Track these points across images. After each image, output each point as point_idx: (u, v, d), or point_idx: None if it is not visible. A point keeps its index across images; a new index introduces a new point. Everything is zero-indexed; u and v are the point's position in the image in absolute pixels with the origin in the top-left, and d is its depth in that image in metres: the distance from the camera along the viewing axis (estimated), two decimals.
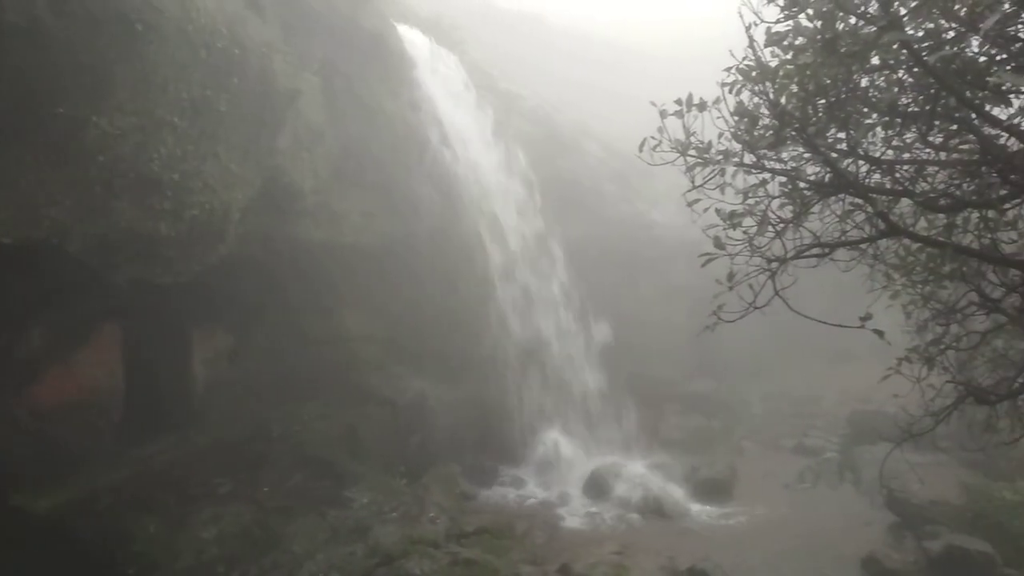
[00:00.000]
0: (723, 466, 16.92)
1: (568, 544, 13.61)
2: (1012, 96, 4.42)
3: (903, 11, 4.27)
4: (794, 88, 4.71)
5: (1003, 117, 4.61)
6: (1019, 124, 4.65)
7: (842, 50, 4.28)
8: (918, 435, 6.79)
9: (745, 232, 5.09)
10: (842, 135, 5.06)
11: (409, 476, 15.57)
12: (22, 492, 11.40)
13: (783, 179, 5.23)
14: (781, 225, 5.13)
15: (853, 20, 4.39)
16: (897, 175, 5.44)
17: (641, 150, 5.14)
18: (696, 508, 15.35)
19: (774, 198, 5.23)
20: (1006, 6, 4.03)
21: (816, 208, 5.44)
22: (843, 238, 5.54)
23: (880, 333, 4.73)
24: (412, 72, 17.16)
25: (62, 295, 11.60)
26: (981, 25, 3.82)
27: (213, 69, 10.06)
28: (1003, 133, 4.65)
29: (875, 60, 4.67)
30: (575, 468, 17.21)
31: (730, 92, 5.02)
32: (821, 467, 16.87)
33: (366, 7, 15.37)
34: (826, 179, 5.12)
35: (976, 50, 4.45)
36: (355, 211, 15.11)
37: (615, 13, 39.92)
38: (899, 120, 5.06)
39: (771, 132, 4.89)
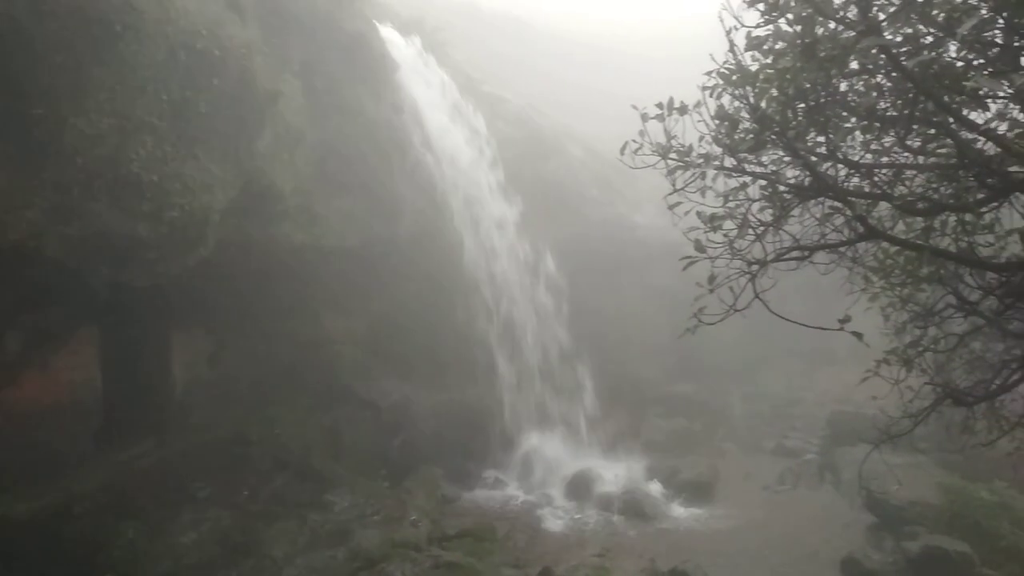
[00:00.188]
0: (704, 468, 16.96)
1: (550, 546, 13.60)
2: (989, 100, 4.47)
3: (881, 16, 4.30)
4: (774, 92, 4.73)
5: (980, 121, 4.65)
6: (996, 128, 4.69)
7: (821, 55, 4.30)
8: (897, 436, 6.85)
9: (725, 235, 5.11)
10: (822, 139, 5.09)
11: (391, 479, 15.52)
12: None
13: (763, 182, 5.25)
14: (761, 228, 5.16)
15: (832, 25, 4.41)
16: (876, 179, 5.48)
17: (623, 153, 5.16)
18: (678, 510, 15.38)
19: (754, 201, 5.26)
20: (983, 11, 4.06)
21: (796, 211, 5.47)
22: (822, 241, 5.58)
23: (859, 335, 4.76)
24: (394, 74, 17.12)
25: (39, 298, 11.49)
26: (958, 30, 3.85)
27: (193, 70, 9.99)
28: (980, 137, 4.68)
29: (854, 64, 4.70)
30: (557, 470, 17.19)
31: (711, 96, 5.04)
32: (801, 468, 16.95)
33: (347, 8, 15.32)
34: (806, 183, 5.15)
35: (954, 55, 4.49)
36: (336, 213, 15.03)
37: (601, 12, 40.04)
38: (878, 124, 5.10)
39: (751, 136, 4.92)
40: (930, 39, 4.37)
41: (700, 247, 4.89)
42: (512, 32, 34.74)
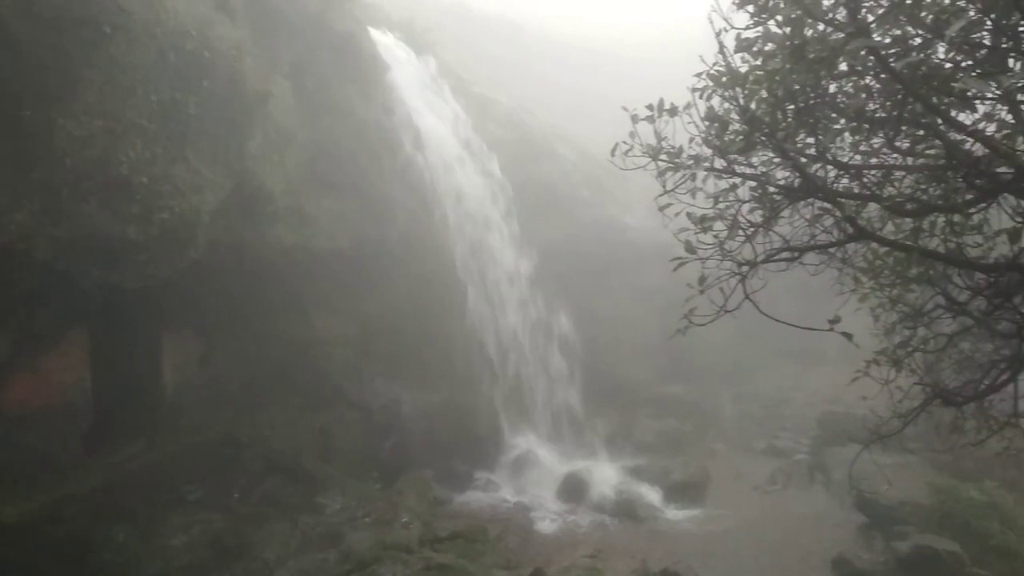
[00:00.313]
0: (696, 469, 16.99)
1: (542, 548, 13.60)
2: (977, 102, 4.49)
3: (870, 18, 4.32)
4: (764, 94, 4.74)
5: (968, 122, 4.68)
6: (984, 129, 4.72)
7: (810, 56, 4.32)
8: (887, 436, 6.87)
9: (716, 236, 5.12)
10: (811, 140, 5.11)
11: (382, 481, 15.50)
12: None
13: (753, 184, 5.26)
14: (751, 229, 5.17)
15: (821, 27, 4.43)
16: (865, 180, 5.51)
17: (613, 155, 5.16)
18: (669, 511, 15.40)
19: (744, 202, 5.27)
20: (971, 13, 4.08)
21: (785, 212, 5.49)
22: (812, 242, 5.60)
23: (848, 336, 4.78)
24: (385, 75, 17.12)
25: (29, 300, 11.42)
26: (947, 32, 3.87)
27: (182, 71, 9.96)
28: (968, 138, 4.70)
29: (843, 66, 4.72)
30: (549, 472, 17.18)
31: (701, 97, 5.06)
32: (792, 469, 17.01)
33: (337, 9, 15.31)
34: (795, 184, 5.16)
35: (942, 56, 4.51)
36: (327, 214, 15.00)
37: (595, 16, 40.13)
38: (867, 125, 5.12)
39: (741, 137, 4.93)
40: (918, 41, 4.39)
41: (690, 248, 4.90)
42: (504, 35, 34.79)
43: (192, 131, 10.47)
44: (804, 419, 19.66)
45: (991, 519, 11.91)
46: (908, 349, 6.74)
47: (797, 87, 4.67)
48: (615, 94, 15.00)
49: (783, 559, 12.59)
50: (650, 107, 5.03)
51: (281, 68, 13.37)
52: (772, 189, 5.24)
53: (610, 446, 18.78)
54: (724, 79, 4.84)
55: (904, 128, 5.03)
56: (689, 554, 12.74)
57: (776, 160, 5.28)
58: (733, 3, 4.66)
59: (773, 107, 4.75)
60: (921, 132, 5.05)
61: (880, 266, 6.32)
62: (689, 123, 5.09)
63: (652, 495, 15.97)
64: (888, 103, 4.91)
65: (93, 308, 12.35)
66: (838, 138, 5.29)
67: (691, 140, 5.19)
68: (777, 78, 4.58)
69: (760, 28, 4.66)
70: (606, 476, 16.82)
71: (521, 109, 25.07)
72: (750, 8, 4.59)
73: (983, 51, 4.38)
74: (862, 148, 5.48)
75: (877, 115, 5.05)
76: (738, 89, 4.78)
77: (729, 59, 4.83)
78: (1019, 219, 5.05)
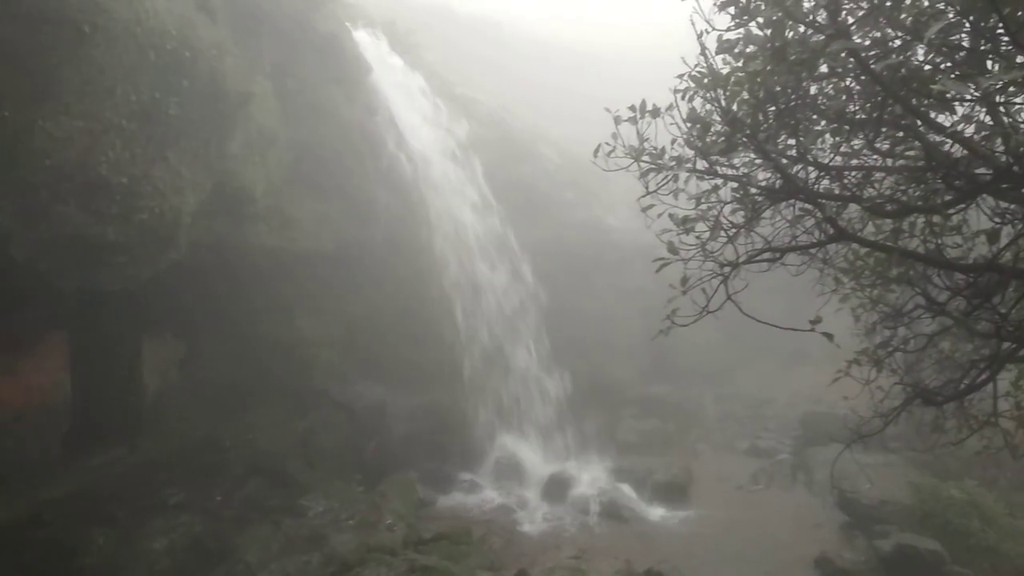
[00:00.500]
0: (679, 469, 17.03)
1: (526, 549, 13.59)
2: (956, 104, 4.52)
3: (850, 20, 4.35)
4: (745, 95, 4.76)
5: (947, 124, 4.71)
6: (963, 131, 4.76)
7: (791, 58, 4.33)
8: (868, 436, 6.90)
9: (698, 237, 5.14)
10: (792, 141, 5.14)
11: (366, 483, 15.44)
12: None
13: (735, 185, 5.28)
14: (733, 230, 5.19)
15: (802, 29, 4.44)
16: (845, 181, 5.54)
17: (596, 156, 5.18)
18: (653, 511, 15.43)
19: (726, 203, 5.29)
20: (950, 15, 4.11)
21: (767, 213, 5.51)
22: (793, 243, 5.63)
23: (830, 336, 4.80)
24: (368, 76, 17.07)
25: (6, 303, 11.29)
26: (926, 34, 3.89)
27: (162, 72, 9.89)
28: (947, 140, 4.74)
29: (823, 68, 4.74)
30: (533, 473, 17.19)
31: (683, 99, 5.07)
32: (774, 469, 17.09)
33: (320, 10, 15.25)
34: (777, 185, 5.18)
35: (921, 59, 4.54)
36: (309, 216, 14.94)
37: (579, 16, 40.17)
38: (847, 127, 5.15)
39: (723, 138, 4.95)
40: (898, 43, 4.42)
41: (673, 249, 4.91)
42: (489, 35, 34.76)
43: (172, 131, 10.39)
44: (786, 419, 19.78)
45: (971, 517, 11.99)
46: (889, 349, 6.78)
47: (778, 89, 4.69)
48: (599, 94, 15.02)
49: (766, 558, 12.63)
50: (632, 108, 5.03)
51: (263, 69, 13.30)
52: (754, 190, 5.26)
53: (594, 447, 18.80)
54: (706, 81, 4.85)
55: (884, 130, 5.06)
56: (673, 554, 12.77)
57: (757, 161, 5.30)
58: (715, 5, 4.67)
59: (754, 108, 4.77)
60: (901, 134, 5.08)
61: (861, 267, 6.37)
62: (671, 124, 5.10)
63: (636, 495, 15.99)
64: (868, 105, 4.94)
65: (72, 310, 12.24)
66: (819, 139, 5.32)
67: (673, 141, 5.20)
68: (758, 80, 4.60)
69: (741, 30, 4.68)
70: (590, 477, 16.85)
71: (504, 110, 25.07)
72: (731, 10, 4.60)
73: (962, 53, 4.41)
74: (842, 149, 5.51)
75: (857, 117, 5.08)
76: (720, 91, 4.80)
77: (711, 61, 4.84)
78: (998, 220, 5.10)
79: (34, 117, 8.66)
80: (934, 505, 12.45)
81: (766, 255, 5.31)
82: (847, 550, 12.59)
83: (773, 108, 4.83)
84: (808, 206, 5.30)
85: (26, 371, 12.24)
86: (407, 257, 17.42)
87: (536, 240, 20.70)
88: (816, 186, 5.39)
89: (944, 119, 4.69)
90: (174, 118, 10.28)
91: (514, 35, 35.98)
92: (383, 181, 16.65)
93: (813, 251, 5.99)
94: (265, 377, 15.78)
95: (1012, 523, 12.04)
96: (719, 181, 5.24)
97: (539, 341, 19.80)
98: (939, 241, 5.34)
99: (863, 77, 4.64)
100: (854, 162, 5.64)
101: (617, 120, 5.06)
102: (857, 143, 5.46)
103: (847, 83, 5.04)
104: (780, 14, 4.32)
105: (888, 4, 4.14)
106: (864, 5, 4.33)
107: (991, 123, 4.64)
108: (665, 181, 5.21)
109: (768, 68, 4.51)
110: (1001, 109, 4.70)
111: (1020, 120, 4.71)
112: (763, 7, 4.43)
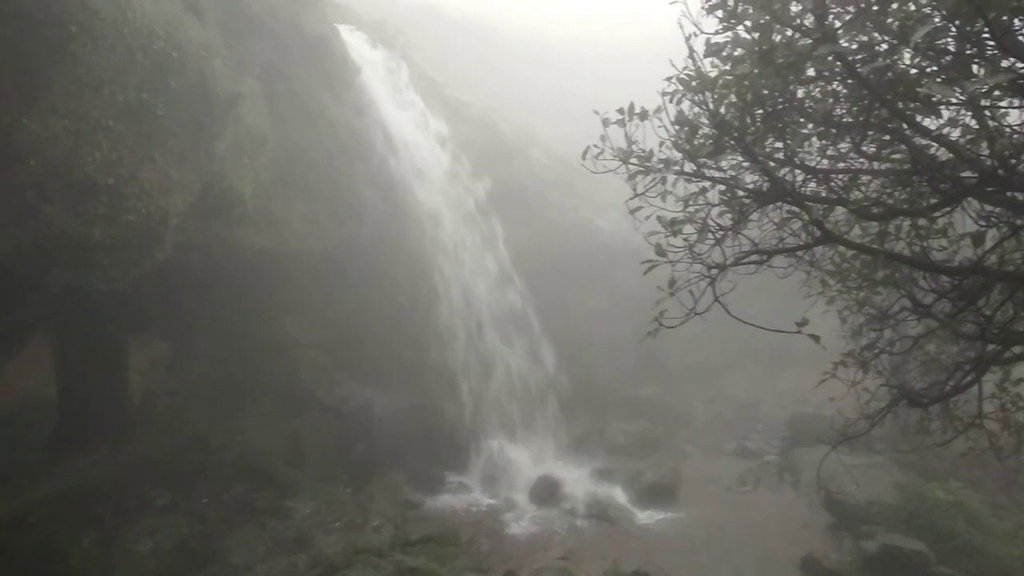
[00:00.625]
0: (667, 470, 17.06)
1: (514, 551, 13.59)
2: (941, 107, 4.55)
3: (837, 24, 4.36)
4: (733, 98, 4.78)
5: (933, 127, 4.74)
6: (948, 134, 4.79)
7: (779, 61, 4.35)
8: (854, 437, 6.93)
9: (686, 239, 5.16)
10: (779, 144, 5.16)
11: (353, 485, 15.40)
12: None
13: (722, 187, 5.30)
14: (720, 232, 5.21)
15: (789, 32, 4.46)
16: (832, 184, 5.57)
17: (584, 158, 5.19)
18: (641, 512, 15.46)
19: (714, 206, 5.31)
20: (936, 19, 4.13)
21: (754, 216, 5.53)
22: (780, 245, 5.65)
23: (816, 338, 4.82)
24: (356, 77, 17.02)
25: None
26: (912, 38, 3.91)
27: (150, 72, 9.82)
28: (933, 143, 4.77)
29: (811, 71, 4.76)
30: (521, 474, 17.20)
31: (671, 101, 5.08)
32: (762, 470, 17.15)
33: (308, 11, 15.19)
34: (764, 187, 5.20)
35: (908, 62, 4.56)
36: (297, 217, 14.89)
37: (567, 14, 40.04)
38: (834, 130, 5.18)
39: (711, 141, 4.96)
40: (884, 46, 4.44)
41: (661, 251, 4.92)
42: (476, 35, 34.68)
43: (160, 132, 10.32)
44: (774, 420, 19.86)
45: (957, 518, 12.07)
46: (875, 351, 6.81)
47: (766, 92, 4.71)
48: (588, 93, 15.05)
49: (753, 559, 12.68)
50: (621, 111, 5.05)
51: (252, 69, 13.23)
52: (741, 193, 5.28)
53: (582, 448, 18.85)
54: (694, 83, 4.87)
55: (870, 133, 5.09)
56: (660, 555, 12.78)
57: (745, 164, 5.32)
58: (703, 7, 4.68)
59: (742, 111, 4.79)
60: (887, 137, 5.11)
61: (847, 269, 6.40)
62: (659, 127, 5.11)
63: (624, 497, 16.04)
64: (855, 108, 4.96)
65: (58, 311, 12.16)
66: (806, 142, 5.35)
67: (661, 144, 5.21)
68: (746, 83, 4.62)
69: (729, 33, 4.69)
70: (578, 478, 16.87)
71: (493, 111, 25.03)
72: (719, 13, 4.61)
73: (948, 57, 4.44)
74: (829, 152, 5.55)
75: (844, 120, 5.11)
76: (707, 93, 4.81)
77: (699, 63, 4.86)
78: (983, 223, 5.14)
79: (19, 116, 8.58)
80: (920, 506, 12.52)
81: (753, 257, 5.33)
82: (833, 551, 12.64)
83: (761, 111, 4.85)
84: (795, 209, 5.31)
85: (10, 372, 12.17)
86: (395, 258, 17.39)
87: (525, 241, 20.69)
88: (803, 189, 5.42)
89: (930, 123, 4.72)
90: (162, 119, 10.21)
91: (502, 33, 35.87)
92: (371, 182, 16.62)
93: (800, 253, 6.01)
94: (253, 378, 15.72)
95: (997, 524, 12.12)
96: (707, 183, 5.26)
97: (528, 342, 19.79)
98: (925, 244, 5.37)
99: (850, 81, 4.67)
100: (841, 165, 5.67)
101: (605, 122, 5.08)
102: (844, 146, 5.50)
103: (834, 87, 5.06)
104: (768, 18, 4.34)
105: (875, 8, 4.16)
106: (851, 9, 4.35)
107: (976, 127, 4.67)
108: (653, 183, 5.23)
109: (756, 71, 4.53)
110: (986, 113, 4.73)
111: (1005, 124, 4.73)
112: (751, 10, 4.45)
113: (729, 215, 5.33)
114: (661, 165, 5.14)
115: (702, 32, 4.76)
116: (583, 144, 5.30)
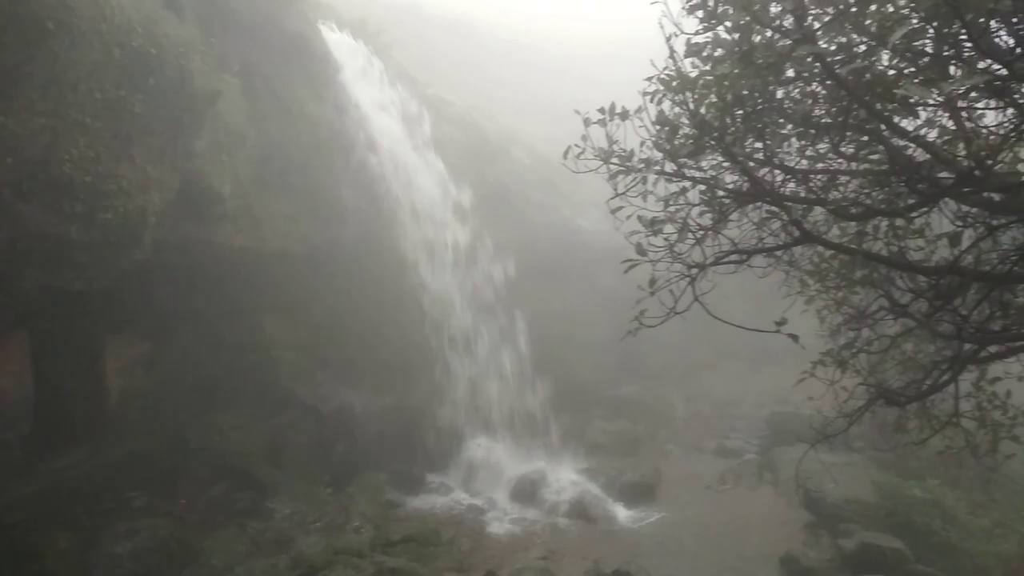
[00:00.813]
0: (647, 469, 17.12)
1: (495, 550, 13.58)
2: (919, 108, 4.59)
3: (816, 25, 4.39)
4: (713, 98, 4.80)
5: (910, 128, 4.78)
6: (925, 135, 4.83)
7: (758, 62, 4.37)
8: (832, 436, 6.98)
9: (666, 239, 5.17)
10: (759, 145, 5.19)
11: (334, 485, 15.31)
12: None
13: (703, 187, 5.33)
14: (701, 232, 5.23)
15: (769, 33, 4.48)
16: (811, 184, 5.60)
17: (566, 158, 5.19)
18: (622, 511, 15.50)
19: (694, 206, 5.33)
20: (914, 21, 4.17)
21: (734, 216, 5.56)
22: (760, 245, 5.68)
23: (795, 337, 4.85)
24: (337, 75, 16.96)
25: None
26: (890, 39, 3.95)
27: (128, 69, 9.73)
28: (910, 144, 4.81)
29: (790, 72, 4.79)
30: (502, 474, 17.18)
31: (652, 101, 5.10)
32: (741, 468, 17.22)
33: (288, 8, 15.12)
34: (744, 188, 5.23)
35: (886, 63, 4.60)
36: (277, 216, 14.79)
37: (548, 14, 40.08)
38: (813, 131, 5.21)
39: (691, 141, 4.98)
40: (863, 48, 4.47)
41: (641, 250, 4.93)
42: (459, 33, 34.61)
43: (138, 129, 10.23)
44: (753, 419, 19.95)
45: (933, 516, 12.17)
46: (853, 350, 6.86)
47: (745, 92, 4.73)
48: (570, 92, 15.04)
49: (732, 557, 12.74)
50: (602, 111, 5.06)
51: (231, 67, 13.15)
52: (721, 193, 5.31)
53: (563, 447, 18.83)
54: (674, 84, 4.89)
55: (849, 134, 5.13)
56: (641, 554, 12.83)
57: (725, 164, 5.35)
58: (683, 8, 4.70)
59: (722, 112, 4.81)
60: (865, 138, 5.15)
61: (825, 269, 6.45)
62: (640, 127, 5.13)
63: (605, 496, 16.07)
64: (833, 109, 5.00)
65: (34, 310, 12.03)
66: (785, 143, 5.38)
67: (642, 144, 5.23)
68: (726, 83, 4.64)
69: (710, 34, 4.71)
70: (559, 477, 16.87)
71: (475, 110, 25.01)
72: (700, 13, 4.63)
73: (925, 58, 4.48)
74: (808, 153, 5.58)
75: (823, 121, 5.14)
76: (688, 94, 4.83)
77: (679, 64, 4.88)
78: (959, 223, 5.18)
79: None
80: (897, 504, 12.62)
81: (733, 257, 5.37)
82: (812, 549, 12.72)
83: (740, 111, 4.87)
84: (774, 209, 5.35)
85: None
86: (376, 257, 17.33)
87: (507, 241, 20.67)
88: (782, 189, 5.45)
89: (908, 124, 4.76)
90: (140, 116, 10.12)
91: (484, 34, 35.83)
92: (352, 181, 16.55)
93: (779, 253, 6.06)
94: (233, 378, 15.61)
95: (973, 521, 12.24)
96: (687, 183, 5.28)
97: (510, 342, 19.79)
98: (902, 244, 5.41)
99: (828, 82, 4.70)
100: (819, 165, 5.71)
101: (587, 122, 5.09)
102: (822, 147, 5.53)
103: (813, 87, 5.10)
104: (748, 18, 4.36)
105: (853, 10, 4.18)
106: (830, 10, 4.37)
107: (953, 128, 4.72)
108: (634, 183, 5.24)
109: (736, 72, 4.54)
110: (963, 114, 4.78)
111: (982, 125, 4.78)
112: (731, 11, 4.47)
113: (709, 215, 5.36)
114: (642, 165, 5.16)
115: (683, 32, 4.77)
116: (566, 144, 5.31)
